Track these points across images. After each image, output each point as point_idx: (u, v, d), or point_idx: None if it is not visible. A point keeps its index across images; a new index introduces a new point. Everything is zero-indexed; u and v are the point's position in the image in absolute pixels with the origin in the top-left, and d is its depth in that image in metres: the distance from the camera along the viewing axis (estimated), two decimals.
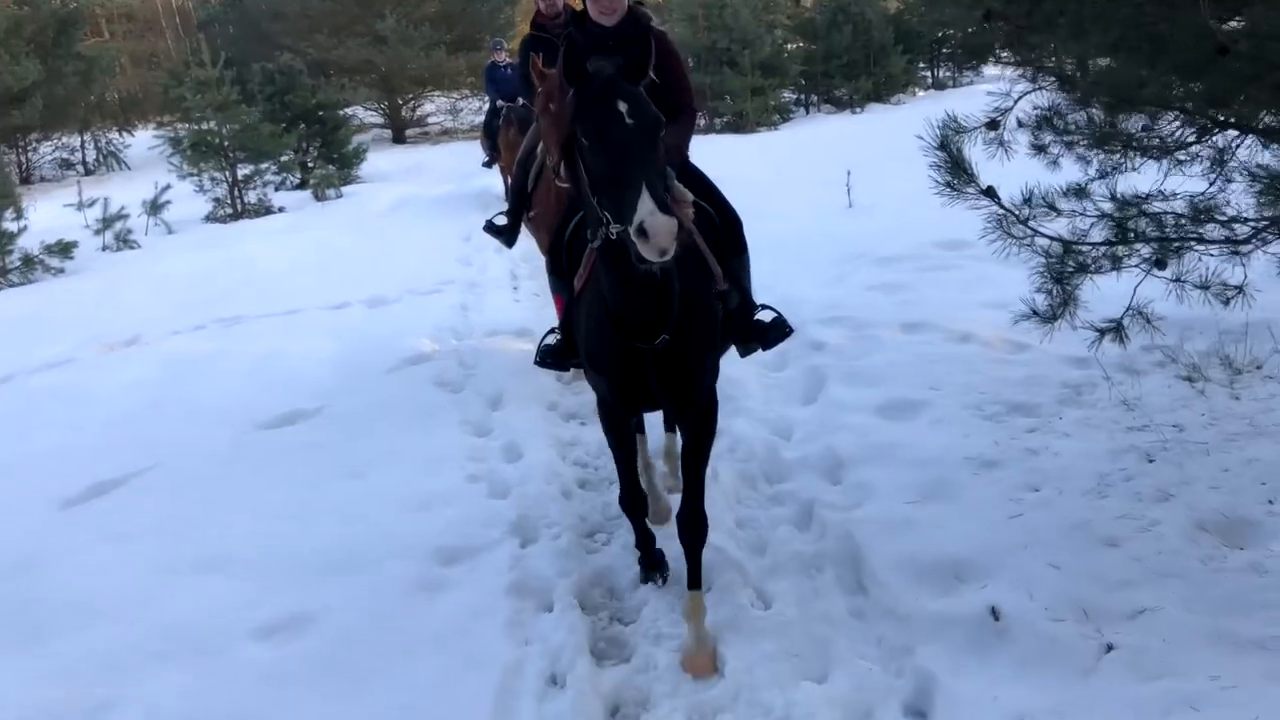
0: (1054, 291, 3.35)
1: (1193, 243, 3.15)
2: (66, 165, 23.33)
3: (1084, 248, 3.27)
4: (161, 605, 3.71)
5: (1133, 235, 3.15)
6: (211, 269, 9.77)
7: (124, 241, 11.88)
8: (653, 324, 3.10)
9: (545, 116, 4.93)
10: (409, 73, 24.07)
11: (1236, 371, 4.91)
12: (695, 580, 3.40)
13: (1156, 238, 3.15)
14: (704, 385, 3.38)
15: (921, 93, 22.48)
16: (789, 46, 21.43)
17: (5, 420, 6.10)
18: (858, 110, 20.16)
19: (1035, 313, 3.49)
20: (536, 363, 3.95)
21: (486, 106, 14.05)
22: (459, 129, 25.08)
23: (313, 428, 5.41)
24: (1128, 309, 3.50)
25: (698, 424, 3.41)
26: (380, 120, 25.71)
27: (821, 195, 10.47)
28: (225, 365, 6.65)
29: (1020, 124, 3.48)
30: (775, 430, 4.99)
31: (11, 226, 10.86)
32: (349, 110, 20.24)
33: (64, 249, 10.79)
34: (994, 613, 3.17)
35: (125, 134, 24.92)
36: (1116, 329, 3.51)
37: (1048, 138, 3.42)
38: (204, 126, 14.06)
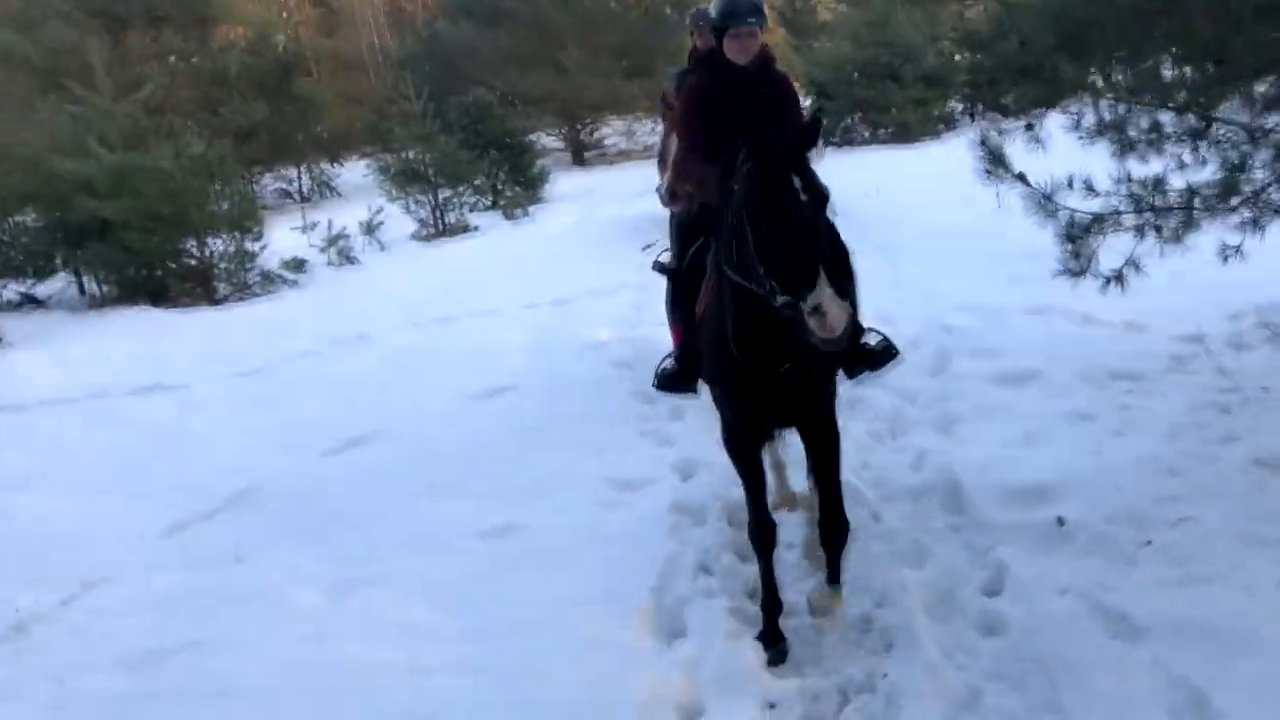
0: (1068, 249, 4.05)
1: (1181, 212, 3.82)
2: (285, 195, 25.84)
3: (1106, 217, 3.98)
4: (409, 517, 4.85)
5: (1145, 207, 3.84)
6: (422, 278, 11.21)
7: (345, 258, 13.54)
8: (775, 352, 3.24)
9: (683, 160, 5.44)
10: (588, 99, 25.58)
11: None
12: (835, 574, 3.67)
13: (1158, 209, 3.83)
14: (825, 406, 3.57)
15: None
16: (955, 58, 21.72)
17: (270, 397, 7.46)
18: (1022, 118, 20.24)
19: (1067, 269, 4.20)
20: (654, 386, 4.23)
21: (662, 132, 15.11)
22: (634, 150, 26.39)
23: (514, 397, 6.54)
24: (1126, 261, 4.17)
25: (821, 443, 3.61)
26: (561, 145, 27.34)
27: (974, 196, 11.01)
28: (440, 353, 7.90)
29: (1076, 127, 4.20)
30: (903, 396, 5.76)
31: (254, 247, 12.62)
32: (533, 136, 21.76)
33: (297, 264, 12.50)
34: (1060, 521, 3.91)
35: (336, 165, 27.36)
36: (1119, 276, 4.17)
37: (1115, 137, 4.13)
38: (409, 155, 15.71)
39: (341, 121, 30.69)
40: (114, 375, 8.60)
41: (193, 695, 3.58)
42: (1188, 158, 3.96)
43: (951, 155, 16.09)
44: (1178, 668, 2.91)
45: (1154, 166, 4.11)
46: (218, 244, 12.47)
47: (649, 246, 6.84)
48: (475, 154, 16.75)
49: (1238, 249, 4.09)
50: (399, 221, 15.48)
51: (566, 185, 19.80)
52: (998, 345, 6.22)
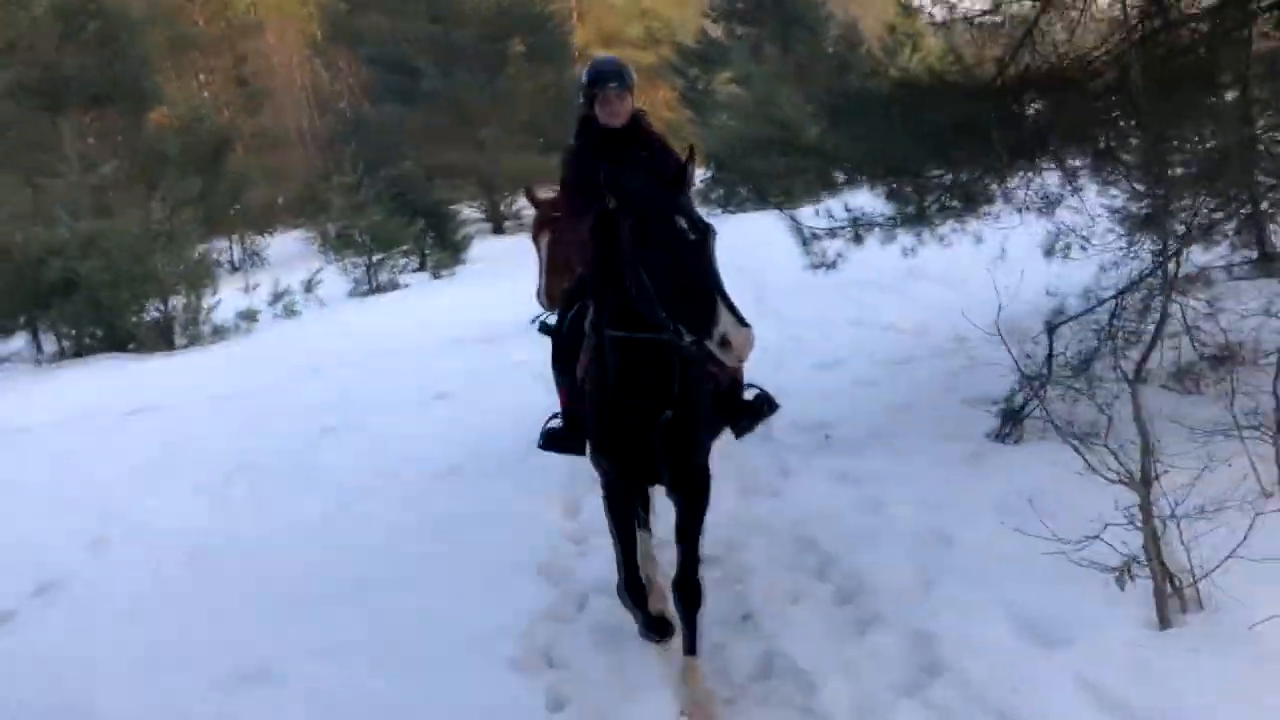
0: (805, 250, 6.11)
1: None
2: (217, 264, 27.27)
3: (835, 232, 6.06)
4: (378, 461, 6.59)
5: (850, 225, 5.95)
6: (364, 324, 12.99)
7: (289, 311, 15.24)
8: (656, 402, 3.39)
9: (558, 235, 5.95)
10: (505, 173, 27.72)
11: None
12: (692, 646, 3.64)
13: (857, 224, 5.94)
14: (700, 460, 3.72)
15: None
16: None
17: (250, 413, 9.03)
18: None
19: (810, 264, 6.24)
20: (541, 446, 4.32)
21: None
22: None
23: (456, 399, 8.34)
24: (838, 255, 6.24)
25: (694, 496, 3.69)
26: (481, 215, 29.33)
27: None
28: (390, 372, 9.67)
29: None
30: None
31: (209, 302, 14.28)
32: (456, 206, 23.70)
33: (250, 315, 14.19)
34: (827, 436, 5.89)
35: (265, 236, 28.88)
36: (834, 263, 6.21)
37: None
38: (345, 224, 17.53)
39: (268, 196, 32.17)
40: (104, 402, 10.12)
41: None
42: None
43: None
44: (870, 490, 4.89)
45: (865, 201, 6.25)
46: (177, 300, 14.07)
47: (536, 319, 7.57)
48: (404, 221, 18.63)
49: (914, 249, 6.24)
50: (336, 282, 17.22)
51: (487, 249, 21.77)
52: (824, 346, 8.26)
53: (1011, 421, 5.43)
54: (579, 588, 4.67)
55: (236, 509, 6.30)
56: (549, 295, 5.96)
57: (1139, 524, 3.53)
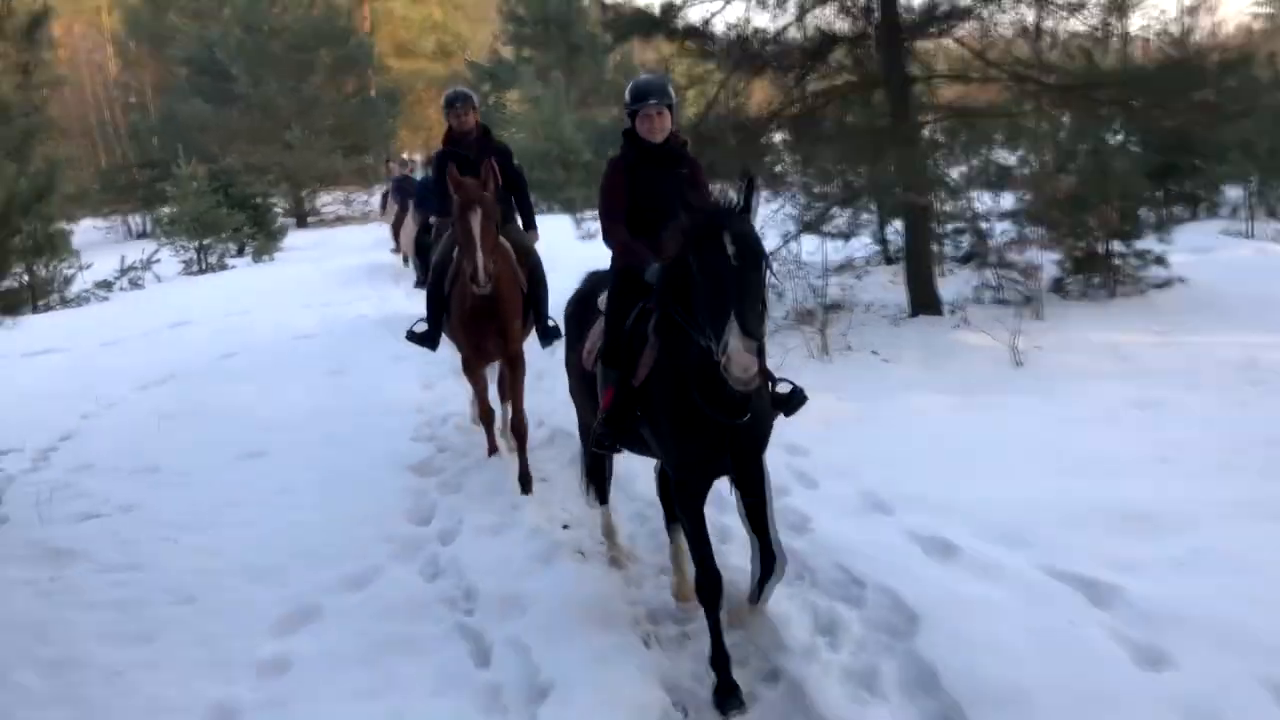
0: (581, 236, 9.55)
1: None
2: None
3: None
4: (277, 380, 9.44)
5: None
6: (211, 293, 15.44)
7: (134, 284, 17.36)
8: (736, 404, 3.51)
9: (465, 221, 5.74)
10: (311, 171, 29.96)
11: None
12: (757, 595, 4.09)
13: None
14: (763, 455, 3.93)
15: None
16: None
17: (146, 349, 11.52)
18: None
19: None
20: (594, 447, 4.45)
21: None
22: (351, 216, 30.95)
23: (316, 341, 11.15)
24: None
25: (759, 489, 3.92)
26: (284, 209, 31.35)
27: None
28: (255, 324, 12.33)
29: None
30: None
31: (69, 273, 16.32)
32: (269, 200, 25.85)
33: (106, 285, 16.31)
34: None
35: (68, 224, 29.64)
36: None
37: None
38: (175, 209, 19.66)
39: (71, 185, 32.69)
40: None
41: None
42: None
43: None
44: None
45: None
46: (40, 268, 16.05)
47: (411, 330, 7.25)
48: (228, 211, 20.86)
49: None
50: (168, 263, 19.35)
51: (298, 240, 24.17)
52: None
53: None
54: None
55: (174, 414, 8.99)
56: (486, 272, 5.81)
57: None
